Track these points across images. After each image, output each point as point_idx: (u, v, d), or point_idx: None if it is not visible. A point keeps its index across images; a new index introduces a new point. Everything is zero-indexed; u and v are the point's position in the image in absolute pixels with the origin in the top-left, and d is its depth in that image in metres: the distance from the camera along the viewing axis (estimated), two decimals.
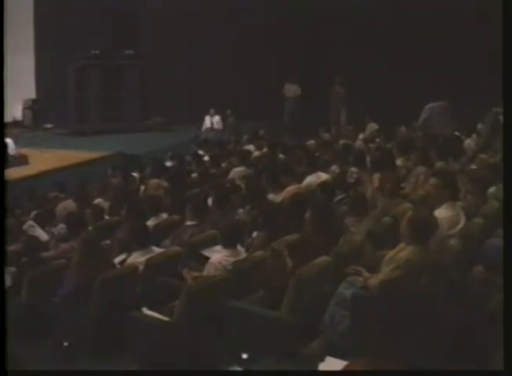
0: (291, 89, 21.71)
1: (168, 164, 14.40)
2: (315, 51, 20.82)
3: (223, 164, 13.83)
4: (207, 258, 6.91)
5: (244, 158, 13.25)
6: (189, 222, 8.33)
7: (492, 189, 8.30)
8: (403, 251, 5.72)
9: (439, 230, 6.17)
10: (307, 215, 6.96)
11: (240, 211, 9.12)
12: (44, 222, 10.27)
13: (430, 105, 16.29)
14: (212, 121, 21.90)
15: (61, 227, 9.39)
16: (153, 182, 11.98)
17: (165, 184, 11.51)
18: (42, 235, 9.64)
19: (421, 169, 9.97)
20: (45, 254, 8.40)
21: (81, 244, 7.11)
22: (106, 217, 9.90)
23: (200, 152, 15.94)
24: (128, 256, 7.30)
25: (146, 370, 5.82)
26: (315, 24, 20.64)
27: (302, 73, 20.71)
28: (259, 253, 6.81)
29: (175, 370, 5.39)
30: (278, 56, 21.09)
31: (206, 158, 14.71)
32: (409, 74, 18.66)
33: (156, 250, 7.37)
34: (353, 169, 10.66)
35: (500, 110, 14.53)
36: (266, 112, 19.83)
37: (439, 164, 10.55)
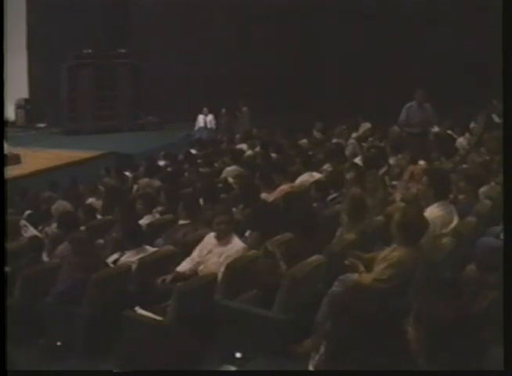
0: None
1: (161, 163, 14.40)
2: (314, 50, 20.81)
3: (216, 164, 13.81)
4: None
5: (237, 157, 13.24)
6: (182, 221, 8.32)
7: (484, 188, 8.31)
8: (396, 251, 5.73)
9: (432, 229, 6.18)
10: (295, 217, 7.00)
11: (233, 210, 9.11)
12: (37, 221, 10.23)
13: (407, 105, 16.07)
14: (205, 120, 21.87)
15: (55, 226, 9.37)
16: (144, 181, 11.96)
17: (157, 183, 11.50)
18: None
19: (413, 168, 9.97)
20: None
21: (72, 243, 7.10)
22: (99, 216, 9.88)
23: (193, 151, 15.94)
24: (121, 255, 7.29)
25: (138, 369, 5.79)
26: (313, 24, 20.63)
27: (302, 73, 20.72)
28: (252, 252, 6.80)
29: (169, 369, 5.36)
30: (278, 54, 21.04)
31: (199, 157, 14.70)
32: (404, 74, 18.66)
33: (150, 249, 7.36)
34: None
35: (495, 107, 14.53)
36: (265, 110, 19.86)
37: (432, 162, 10.56)
